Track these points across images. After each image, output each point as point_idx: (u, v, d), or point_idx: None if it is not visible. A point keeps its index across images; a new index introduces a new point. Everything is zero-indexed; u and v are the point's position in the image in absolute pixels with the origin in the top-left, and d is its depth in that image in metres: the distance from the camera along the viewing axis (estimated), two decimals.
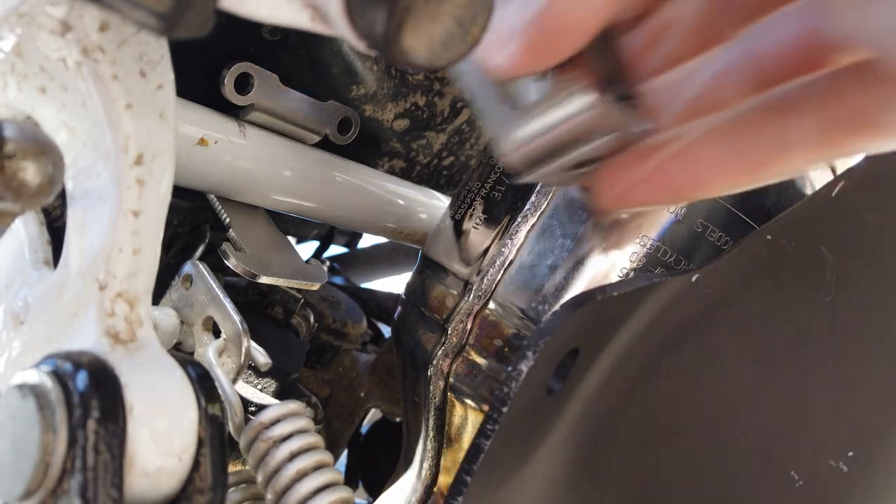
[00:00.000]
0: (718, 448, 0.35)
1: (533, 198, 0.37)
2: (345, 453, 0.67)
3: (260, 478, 0.32)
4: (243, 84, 0.39)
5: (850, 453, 0.35)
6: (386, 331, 0.74)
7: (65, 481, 0.23)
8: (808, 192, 0.39)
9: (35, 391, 0.24)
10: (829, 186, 0.33)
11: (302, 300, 0.55)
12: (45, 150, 0.23)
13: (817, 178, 0.39)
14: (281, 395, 0.49)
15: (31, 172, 0.23)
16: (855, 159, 0.35)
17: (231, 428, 0.33)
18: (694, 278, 0.33)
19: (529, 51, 0.24)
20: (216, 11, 0.20)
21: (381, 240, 0.65)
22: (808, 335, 0.34)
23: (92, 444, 0.23)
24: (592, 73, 0.26)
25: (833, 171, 0.40)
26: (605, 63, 0.27)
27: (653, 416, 0.34)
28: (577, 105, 0.26)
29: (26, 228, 0.34)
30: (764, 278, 0.34)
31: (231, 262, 0.39)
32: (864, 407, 0.35)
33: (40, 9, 0.28)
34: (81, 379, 0.24)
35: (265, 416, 0.33)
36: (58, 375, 0.24)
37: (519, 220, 0.37)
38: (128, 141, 0.29)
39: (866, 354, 0.35)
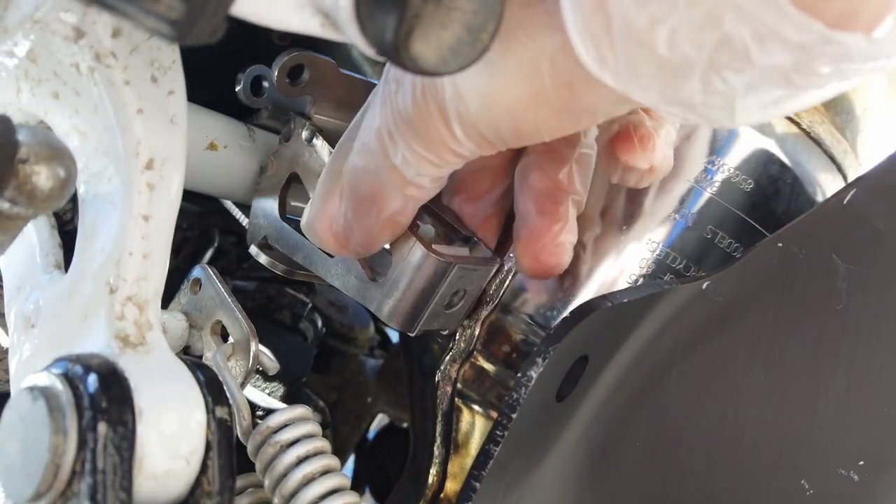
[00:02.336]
0: (728, 455, 0.35)
1: None
2: (351, 458, 0.67)
3: (267, 482, 0.32)
4: (257, 87, 0.39)
5: (861, 462, 0.34)
6: (394, 336, 0.74)
7: (74, 483, 0.23)
8: (820, 199, 0.38)
9: (45, 393, 0.24)
10: (841, 194, 0.33)
11: (310, 305, 0.55)
12: (57, 154, 0.23)
13: (829, 185, 0.39)
14: (288, 399, 0.49)
15: (43, 177, 0.23)
16: (867, 168, 0.35)
17: (239, 432, 0.33)
18: (704, 285, 0.33)
19: (339, 246, 0.33)
20: (227, 18, 0.20)
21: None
22: (819, 343, 0.34)
23: (101, 447, 0.23)
24: (420, 236, 0.33)
25: (844, 179, 0.40)
26: (436, 220, 0.36)
27: (662, 423, 0.34)
28: (415, 265, 0.33)
29: (38, 232, 0.35)
30: (775, 286, 0.33)
31: (263, 261, 0.40)
32: (874, 416, 0.35)
33: (54, 15, 0.29)
34: (91, 382, 0.24)
35: (273, 420, 0.33)
36: (68, 378, 0.24)
37: None
38: (139, 146, 0.29)
39: (877, 363, 0.34)
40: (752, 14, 0.18)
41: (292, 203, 0.40)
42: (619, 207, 0.36)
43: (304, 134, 0.38)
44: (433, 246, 0.34)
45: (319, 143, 0.37)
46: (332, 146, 0.36)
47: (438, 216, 0.37)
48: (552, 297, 0.37)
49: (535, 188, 0.33)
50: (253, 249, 0.40)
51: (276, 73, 0.37)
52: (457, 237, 0.37)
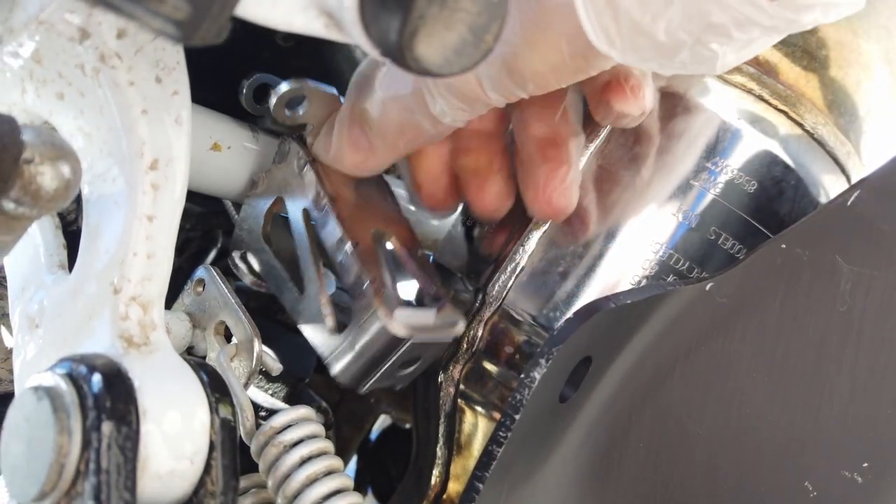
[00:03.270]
0: (732, 457, 0.34)
1: None
2: (354, 459, 0.67)
3: (270, 483, 0.32)
4: (261, 94, 0.39)
5: (865, 464, 0.34)
6: None
7: (79, 483, 0.23)
8: (823, 201, 0.38)
9: (50, 393, 0.24)
10: (845, 195, 0.33)
11: None
12: (62, 155, 0.23)
13: (832, 187, 0.39)
14: (291, 400, 0.49)
15: (48, 177, 0.23)
16: (870, 169, 0.35)
17: (242, 432, 0.33)
18: (708, 287, 0.33)
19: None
20: (232, 19, 0.20)
21: None
22: (823, 345, 0.34)
23: (106, 447, 0.23)
24: (383, 302, 0.33)
25: (848, 180, 0.40)
26: (415, 270, 0.36)
27: (666, 424, 0.34)
28: (372, 333, 0.33)
29: (42, 232, 0.35)
30: (778, 287, 0.33)
31: (239, 273, 0.40)
32: (879, 417, 0.35)
33: (59, 16, 0.29)
34: (96, 381, 0.24)
35: (276, 420, 0.33)
36: (72, 378, 0.24)
37: (530, 226, 0.37)
38: (143, 146, 0.29)
39: (881, 365, 0.34)
40: (734, 7, 0.24)
41: (273, 240, 0.40)
42: (621, 209, 0.36)
43: (296, 164, 0.37)
44: (395, 311, 0.33)
45: (309, 176, 0.36)
46: (326, 175, 0.36)
47: (415, 271, 0.37)
48: (555, 298, 0.37)
49: (537, 137, 0.35)
50: (234, 256, 0.40)
51: (273, 102, 0.36)
52: (427, 297, 0.37)
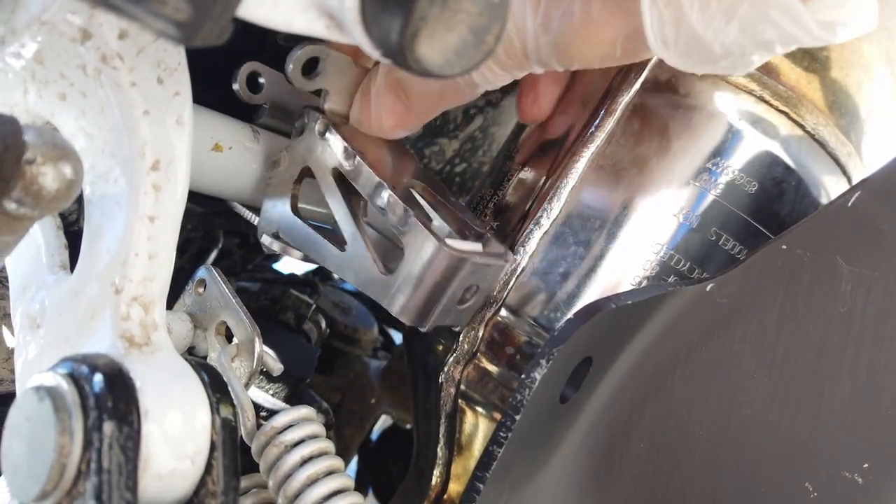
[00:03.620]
0: (732, 458, 0.34)
1: (546, 205, 0.37)
2: (355, 460, 0.67)
3: (271, 482, 0.32)
4: (254, 84, 0.39)
5: (866, 465, 0.34)
6: (397, 337, 0.74)
7: (80, 483, 0.23)
8: (824, 202, 0.38)
9: (51, 393, 0.24)
10: (845, 197, 0.33)
11: (314, 306, 0.55)
12: (64, 155, 0.23)
13: (833, 188, 0.39)
14: (292, 400, 0.49)
15: (50, 177, 0.23)
16: (871, 170, 0.35)
17: (243, 432, 0.33)
18: (708, 287, 0.33)
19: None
20: (233, 20, 0.20)
21: None
22: (823, 345, 0.34)
23: (107, 447, 0.23)
24: (433, 230, 0.33)
25: (849, 181, 0.40)
26: (450, 216, 0.36)
27: (666, 425, 0.34)
28: (427, 260, 0.33)
29: (43, 233, 0.35)
30: (779, 288, 0.33)
31: (277, 248, 0.40)
32: (879, 418, 0.35)
33: (61, 17, 0.29)
34: (97, 381, 0.24)
35: (277, 420, 0.33)
36: (74, 378, 0.24)
37: (531, 227, 0.37)
38: (145, 147, 0.29)
39: (882, 365, 0.34)
40: (789, 33, 0.26)
41: (303, 205, 0.40)
42: (622, 209, 0.36)
43: (318, 127, 0.37)
44: (446, 240, 0.33)
45: (333, 137, 0.37)
46: (346, 140, 0.36)
47: (452, 212, 0.37)
48: (556, 298, 0.37)
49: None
50: (266, 239, 0.40)
51: (290, 66, 0.36)
52: (470, 233, 0.36)
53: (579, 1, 0.28)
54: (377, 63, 0.38)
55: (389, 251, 0.36)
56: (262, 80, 0.39)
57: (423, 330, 0.35)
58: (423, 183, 0.38)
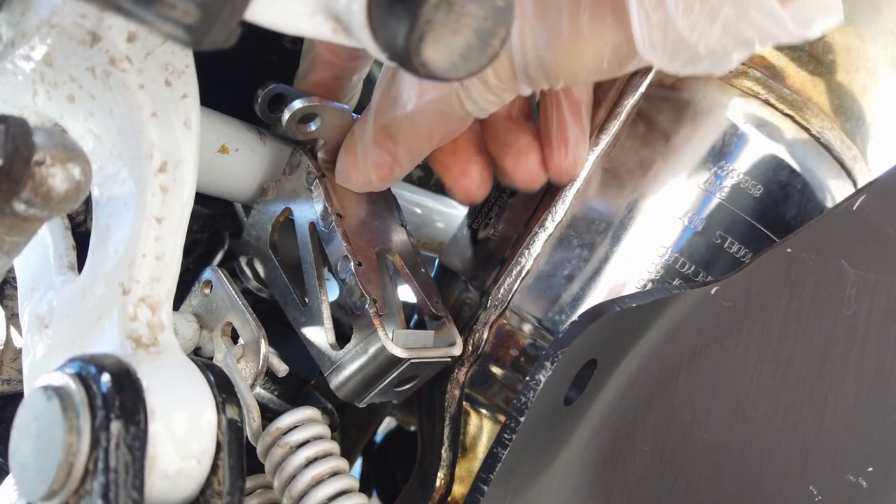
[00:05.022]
0: (737, 461, 0.34)
1: (550, 208, 0.37)
2: (359, 461, 0.67)
3: (276, 483, 0.33)
4: (275, 103, 0.39)
5: (870, 469, 0.34)
6: None
7: (87, 482, 0.24)
8: (829, 205, 0.38)
9: (59, 393, 0.24)
10: (850, 200, 0.33)
11: None
12: (73, 157, 0.24)
13: (838, 191, 0.39)
14: (297, 401, 0.49)
15: (59, 179, 0.23)
16: (876, 174, 0.35)
17: (248, 433, 0.33)
18: (713, 290, 0.33)
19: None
20: (241, 23, 0.20)
21: None
22: (828, 349, 0.34)
23: (114, 446, 0.23)
24: (382, 324, 0.35)
25: (854, 184, 0.40)
26: (416, 289, 0.38)
27: (671, 427, 0.34)
28: (371, 354, 0.35)
29: (52, 233, 0.35)
30: (784, 291, 0.33)
31: (244, 277, 0.41)
32: (883, 422, 0.35)
33: (71, 20, 0.29)
34: (105, 381, 0.24)
35: (282, 421, 0.33)
36: (82, 378, 0.25)
37: (536, 229, 0.37)
38: (153, 149, 0.29)
39: (886, 369, 0.34)
40: (768, 31, 0.27)
41: (279, 248, 0.41)
42: (626, 212, 0.36)
43: (305, 177, 0.38)
44: (394, 332, 0.35)
45: (317, 192, 0.37)
46: (334, 191, 0.37)
47: (416, 289, 0.38)
48: (561, 301, 0.37)
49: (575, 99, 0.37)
50: (240, 261, 0.41)
51: (286, 117, 0.36)
52: (428, 314, 0.38)
53: (567, 16, 0.29)
54: (360, 118, 0.37)
55: (348, 320, 0.37)
56: (284, 101, 0.38)
57: (358, 405, 0.37)
58: (398, 251, 0.39)
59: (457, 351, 0.37)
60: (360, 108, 0.41)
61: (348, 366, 0.36)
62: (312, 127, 0.37)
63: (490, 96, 0.32)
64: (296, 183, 0.38)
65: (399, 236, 0.39)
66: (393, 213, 0.40)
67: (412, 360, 0.35)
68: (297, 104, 0.36)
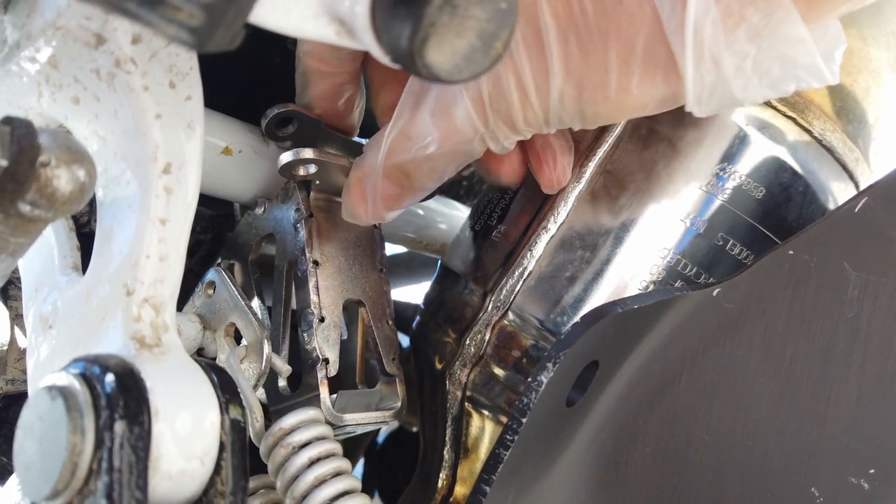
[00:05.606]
0: (738, 462, 0.34)
1: (553, 210, 0.37)
2: (361, 462, 0.67)
3: (279, 483, 0.33)
4: (282, 124, 0.39)
5: (872, 471, 0.34)
6: (404, 340, 0.74)
7: (91, 482, 0.24)
8: (831, 207, 0.38)
9: (64, 393, 0.25)
10: (853, 202, 0.33)
11: None
12: (78, 158, 0.24)
13: (840, 194, 0.39)
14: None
15: (64, 180, 0.23)
16: (878, 176, 0.35)
17: (251, 433, 0.33)
18: (715, 292, 0.33)
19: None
20: (245, 25, 0.20)
21: (400, 249, 0.66)
22: (830, 351, 0.34)
23: (118, 446, 0.24)
24: (324, 388, 0.36)
25: (856, 187, 0.40)
26: (374, 342, 0.40)
27: (672, 429, 0.34)
28: (312, 412, 0.34)
29: (56, 234, 0.35)
30: (786, 294, 0.33)
31: (217, 285, 0.41)
32: (886, 424, 0.35)
33: (76, 22, 0.29)
34: (109, 382, 0.24)
35: (285, 422, 0.33)
36: (86, 378, 0.25)
37: (539, 231, 0.37)
38: (157, 150, 0.29)
39: (889, 371, 0.34)
40: (809, 84, 0.29)
41: (261, 262, 0.41)
42: (629, 214, 0.37)
43: (293, 216, 0.38)
44: (337, 396, 0.37)
45: (301, 234, 0.37)
46: (318, 234, 0.38)
47: (375, 345, 0.39)
48: (563, 302, 0.37)
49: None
50: (221, 265, 0.41)
51: (281, 163, 0.36)
52: (381, 373, 0.39)
53: (616, 75, 0.29)
54: (363, 155, 0.37)
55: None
56: (290, 122, 0.38)
57: None
58: (368, 300, 0.40)
59: (398, 416, 0.39)
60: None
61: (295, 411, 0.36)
62: (312, 170, 0.37)
63: (516, 137, 0.32)
64: (285, 213, 0.39)
65: (374, 284, 0.40)
66: (375, 255, 0.41)
67: (348, 423, 0.37)
68: (287, 157, 0.36)
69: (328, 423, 0.36)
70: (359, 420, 0.37)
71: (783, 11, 0.27)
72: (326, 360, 0.36)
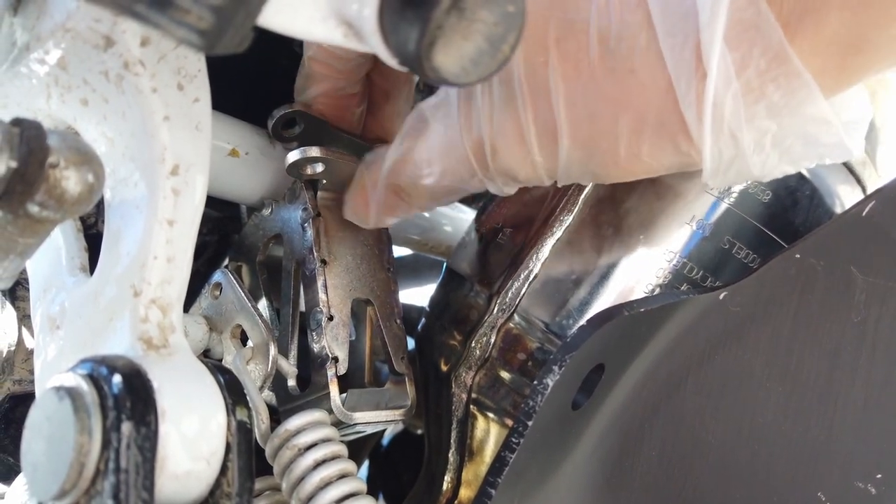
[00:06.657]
0: (744, 466, 0.34)
1: (559, 212, 0.37)
2: (366, 464, 0.67)
3: (284, 485, 0.33)
4: (288, 125, 0.39)
5: (879, 475, 0.34)
6: (410, 343, 0.74)
7: (98, 482, 0.24)
8: (838, 211, 0.38)
9: (71, 393, 0.25)
10: (860, 206, 0.33)
11: None
12: (87, 159, 0.24)
13: (847, 197, 0.39)
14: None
15: (73, 181, 0.24)
16: (886, 180, 0.35)
17: (257, 435, 0.33)
18: (721, 296, 0.33)
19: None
20: (253, 28, 0.21)
21: (406, 251, 0.66)
22: (837, 355, 0.34)
23: (125, 447, 0.24)
24: (335, 387, 0.36)
25: (863, 190, 0.40)
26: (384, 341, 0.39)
27: (678, 432, 0.34)
28: (321, 411, 0.34)
29: (64, 235, 0.35)
30: (792, 297, 0.33)
31: (224, 285, 0.41)
32: (892, 428, 0.35)
33: (85, 24, 0.29)
34: (116, 382, 0.24)
35: (291, 423, 0.33)
36: (93, 378, 0.25)
37: (545, 234, 0.37)
38: (165, 152, 0.29)
39: (895, 375, 0.34)
40: (831, 160, 0.28)
41: (268, 263, 0.41)
42: (635, 217, 0.36)
43: (301, 215, 0.38)
44: (349, 392, 0.37)
45: (309, 233, 0.38)
46: (326, 234, 0.38)
47: (384, 344, 0.39)
48: (569, 305, 0.37)
49: None
50: (229, 267, 0.41)
51: (288, 162, 0.37)
52: (390, 370, 0.39)
53: (626, 143, 0.28)
54: (371, 157, 0.37)
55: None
56: (296, 123, 0.38)
57: None
58: (377, 299, 0.40)
59: (408, 413, 0.39)
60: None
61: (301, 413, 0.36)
62: (318, 169, 0.37)
63: (517, 186, 0.33)
64: (292, 213, 0.39)
65: (382, 283, 0.40)
66: (383, 254, 0.41)
67: (358, 422, 0.37)
68: (294, 155, 0.37)
69: (338, 422, 0.36)
70: (369, 419, 0.37)
71: (806, 90, 0.26)
72: (336, 359, 0.36)
